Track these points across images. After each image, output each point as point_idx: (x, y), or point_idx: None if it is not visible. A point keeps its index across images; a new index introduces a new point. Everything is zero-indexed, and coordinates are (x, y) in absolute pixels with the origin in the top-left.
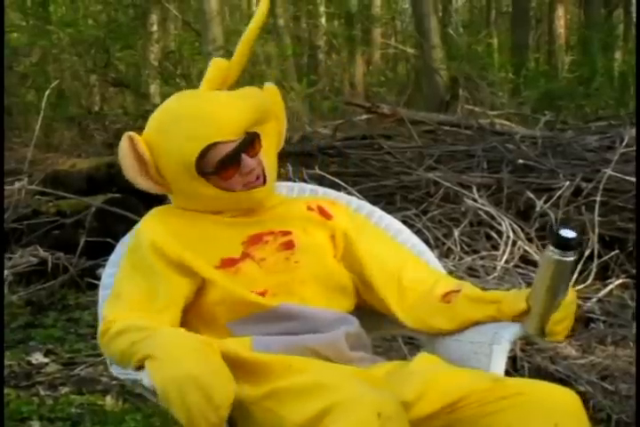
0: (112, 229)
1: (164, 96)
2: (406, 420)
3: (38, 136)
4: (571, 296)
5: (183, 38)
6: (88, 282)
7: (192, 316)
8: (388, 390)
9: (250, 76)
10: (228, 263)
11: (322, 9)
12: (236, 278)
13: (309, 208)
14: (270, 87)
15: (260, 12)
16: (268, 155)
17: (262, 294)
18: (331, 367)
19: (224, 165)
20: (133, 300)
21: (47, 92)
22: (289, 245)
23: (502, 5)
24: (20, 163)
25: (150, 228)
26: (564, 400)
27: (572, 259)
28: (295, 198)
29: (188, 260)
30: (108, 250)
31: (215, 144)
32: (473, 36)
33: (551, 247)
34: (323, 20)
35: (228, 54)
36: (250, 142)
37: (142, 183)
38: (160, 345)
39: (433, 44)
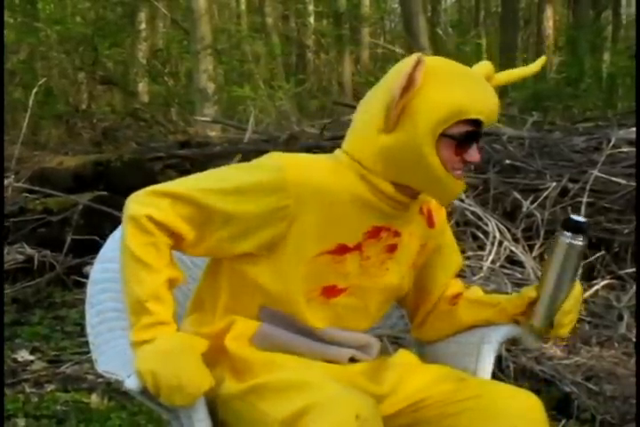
0: (99, 226)
1: (152, 94)
2: (381, 422)
3: (25, 134)
4: (578, 288)
5: (171, 36)
6: (74, 280)
7: (230, 271)
8: (366, 387)
9: (238, 75)
10: (340, 250)
11: (311, 8)
12: (333, 267)
13: (421, 211)
14: None
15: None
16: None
17: (343, 290)
18: (313, 366)
19: (465, 138)
20: (193, 212)
21: (35, 90)
22: (392, 249)
23: (491, 6)
24: (7, 160)
25: (300, 162)
26: (524, 403)
27: (582, 243)
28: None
29: (291, 239)
30: (94, 248)
31: (473, 121)
32: (461, 37)
33: (563, 231)
34: (311, 19)
35: (217, 53)
36: (480, 137)
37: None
38: (157, 340)
39: (421, 43)
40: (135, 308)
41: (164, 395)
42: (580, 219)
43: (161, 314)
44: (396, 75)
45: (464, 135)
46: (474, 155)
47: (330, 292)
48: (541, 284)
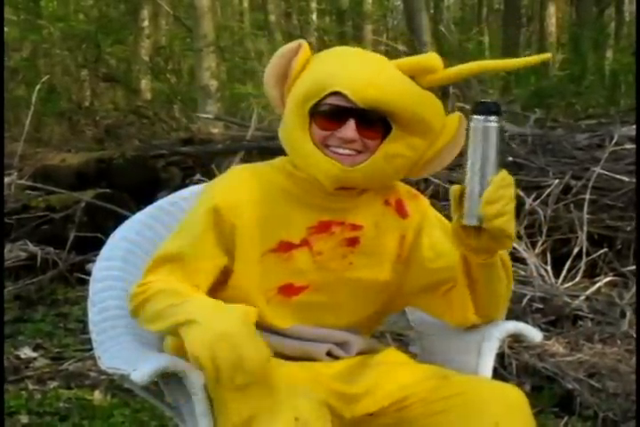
0: (101, 224)
1: (155, 92)
2: (327, 421)
3: (28, 131)
4: (502, 174)
5: (174, 34)
6: (77, 277)
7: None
8: (336, 388)
9: (241, 73)
10: (284, 248)
11: (313, 5)
12: (283, 266)
13: (387, 202)
14: (456, 116)
15: None
16: (389, 158)
17: (302, 289)
18: (282, 367)
19: (336, 113)
20: (174, 262)
21: (37, 87)
22: (353, 242)
23: (494, 3)
24: (10, 157)
25: (225, 189)
26: (509, 399)
27: (495, 124)
28: (382, 190)
29: (237, 242)
30: (97, 245)
31: (344, 95)
32: (464, 34)
33: (474, 116)
34: (314, 16)
35: (219, 50)
36: (373, 121)
37: (270, 90)
38: (199, 309)
39: (424, 41)
40: (164, 312)
41: (225, 377)
42: (490, 101)
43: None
44: (275, 60)
45: (333, 110)
46: (345, 131)
47: (288, 290)
48: (465, 178)
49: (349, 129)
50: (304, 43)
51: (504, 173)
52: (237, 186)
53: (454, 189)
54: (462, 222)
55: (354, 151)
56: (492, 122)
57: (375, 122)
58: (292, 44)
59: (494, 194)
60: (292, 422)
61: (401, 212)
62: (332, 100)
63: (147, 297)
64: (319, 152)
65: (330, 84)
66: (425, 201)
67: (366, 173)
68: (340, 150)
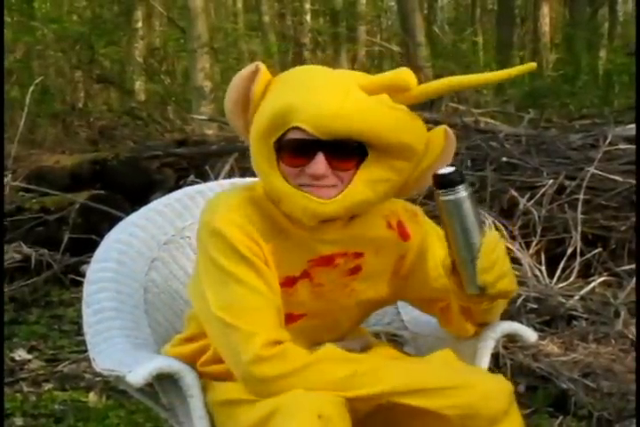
0: (96, 225)
1: (149, 93)
2: (348, 419)
3: (22, 132)
4: (489, 238)
5: (168, 35)
6: (72, 279)
7: None
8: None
9: (235, 74)
10: (288, 283)
11: (307, 6)
12: (287, 299)
13: (389, 226)
14: (441, 131)
15: None
16: (371, 185)
17: (300, 316)
18: None
19: (295, 148)
20: (269, 312)
21: (31, 89)
22: (355, 271)
23: (487, 3)
24: (4, 159)
25: (234, 220)
26: (495, 387)
27: (465, 193)
28: (376, 209)
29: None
30: (91, 247)
31: (302, 129)
32: (458, 34)
33: (439, 191)
34: (308, 17)
35: (213, 51)
36: (345, 151)
37: (232, 119)
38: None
39: (418, 41)
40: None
41: None
42: (447, 171)
43: None
44: (232, 87)
45: (299, 144)
46: (314, 166)
47: (287, 319)
48: (450, 250)
49: (319, 164)
50: (261, 66)
51: (489, 235)
52: (246, 223)
53: (444, 263)
54: (465, 292)
55: (327, 186)
56: (461, 192)
57: (348, 151)
58: (250, 68)
59: (487, 262)
60: (315, 419)
61: (403, 235)
62: (296, 135)
63: (303, 365)
64: (291, 188)
65: (290, 118)
66: (423, 219)
67: (346, 204)
68: (314, 188)
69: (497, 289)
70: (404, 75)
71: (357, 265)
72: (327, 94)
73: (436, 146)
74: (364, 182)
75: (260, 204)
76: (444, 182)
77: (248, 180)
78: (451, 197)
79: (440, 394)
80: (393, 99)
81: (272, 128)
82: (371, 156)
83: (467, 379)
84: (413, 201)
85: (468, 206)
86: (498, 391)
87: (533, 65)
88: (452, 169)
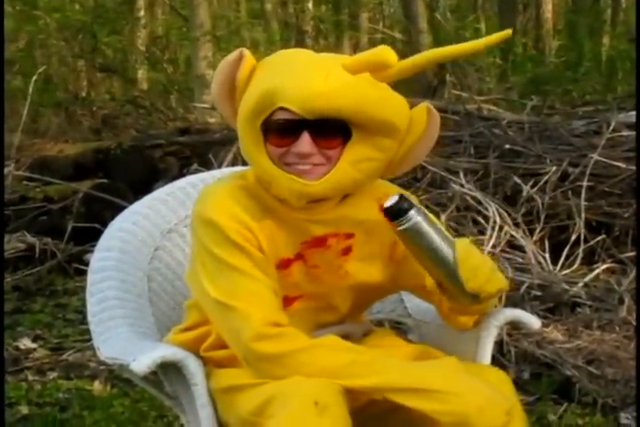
0: (99, 214)
1: (152, 81)
2: (345, 406)
3: (25, 122)
4: (460, 247)
5: (170, 23)
6: (76, 267)
7: None
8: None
9: None
10: (283, 265)
11: None
12: (282, 280)
13: (381, 207)
14: (423, 108)
15: None
16: (356, 164)
17: (296, 298)
18: None
19: (281, 128)
20: (266, 295)
21: (34, 78)
22: (347, 251)
23: None
24: (7, 149)
25: (225, 209)
26: (494, 378)
27: (416, 218)
28: (369, 191)
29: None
30: (95, 235)
31: (287, 109)
32: (460, 21)
33: (394, 222)
34: (310, 4)
35: (215, 40)
36: (330, 130)
37: (221, 105)
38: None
39: (420, 28)
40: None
41: None
42: (392, 201)
43: None
44: (218, 75)
45: (284, 124)
46: (300, 146)
47: (283, 302)
48: (429, 272)
49: (304, 143)
50: (246, 52)
51: (458, 244)
52: (238, 210)
53: (429, 284)
54: (460, 301)
55: (314, 165)
56: (414, 217)
57: (332, 130)
58: (235, 54)
59: (468, 271)
60: (312, 405)
61: None
62: (282, 115)
63: (302, 348)
64: (278, 169)
65: (275, 99)
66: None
67: (332, 184)
68: (300, 166)
69: (488, 292)
70: (384, 52)
71: (348, 246)
72: (310, 74)
73: (420, 124)
74: (349, 162)
75: (250, 190)
76: (394, 213)
77: (240, 168)
78: (406, 226)
79: (435, 397)
80: (374, 77)
81: (258, 110)
82: (355, 135)
83: (467, 387)
84: (414, 191)
85: (426, 227)
86: (497, 406)
87: (508, 32)
88: (396, 198)
